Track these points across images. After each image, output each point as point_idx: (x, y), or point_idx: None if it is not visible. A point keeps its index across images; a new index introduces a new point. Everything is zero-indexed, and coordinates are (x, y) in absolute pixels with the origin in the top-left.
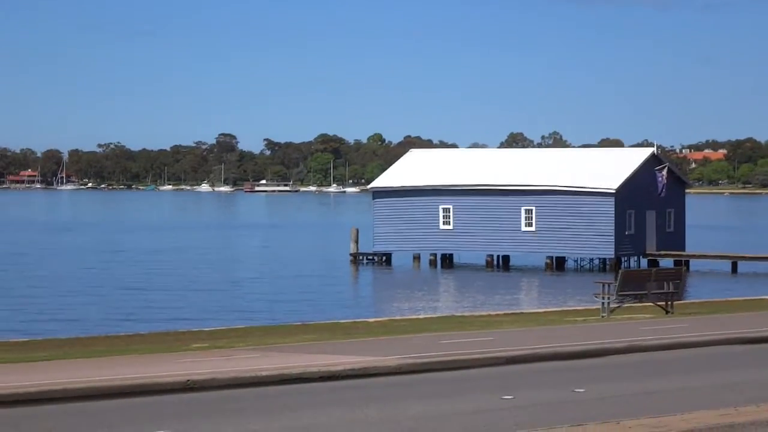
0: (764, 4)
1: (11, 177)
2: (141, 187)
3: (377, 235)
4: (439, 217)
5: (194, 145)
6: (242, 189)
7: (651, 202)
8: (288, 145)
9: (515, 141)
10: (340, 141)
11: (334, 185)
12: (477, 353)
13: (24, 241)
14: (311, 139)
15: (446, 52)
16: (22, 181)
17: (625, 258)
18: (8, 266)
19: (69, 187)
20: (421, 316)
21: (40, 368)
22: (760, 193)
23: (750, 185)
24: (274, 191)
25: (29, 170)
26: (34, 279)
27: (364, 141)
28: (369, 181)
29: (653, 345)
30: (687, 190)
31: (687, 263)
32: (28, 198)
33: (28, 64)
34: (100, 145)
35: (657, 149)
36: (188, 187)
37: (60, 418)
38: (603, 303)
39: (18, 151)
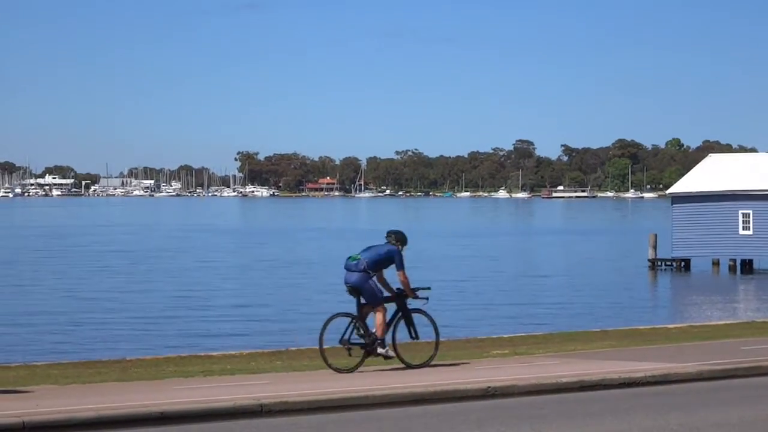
0: None
1: (310, 185)
2: (438, 194)
3: (676, 240)
4: (738, 222)
5: (491, 151)
6: (539, 195)
7: None
8: (585, 150)
9: None
10: (638, 146)
11: (632, 191)
12: None
13: (322, 248)
14: (609, 144)
15: (744, 54)
16: (321, 189)
17: None
18: (302, 271)
19: (367, 194)
20: (721, 322)
21: (340, 376)
22: None
23: None
24: (571, 197)
25: (328, 178)
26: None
27: (662, 146)
28: (667, 187)
29: None
30: None
31: None
32: (329, 206)
33: (323, 74)
34: (397, 152)
35: None
36: (485, 194)
37: (358, 425)
38: None
39: (317, 159)
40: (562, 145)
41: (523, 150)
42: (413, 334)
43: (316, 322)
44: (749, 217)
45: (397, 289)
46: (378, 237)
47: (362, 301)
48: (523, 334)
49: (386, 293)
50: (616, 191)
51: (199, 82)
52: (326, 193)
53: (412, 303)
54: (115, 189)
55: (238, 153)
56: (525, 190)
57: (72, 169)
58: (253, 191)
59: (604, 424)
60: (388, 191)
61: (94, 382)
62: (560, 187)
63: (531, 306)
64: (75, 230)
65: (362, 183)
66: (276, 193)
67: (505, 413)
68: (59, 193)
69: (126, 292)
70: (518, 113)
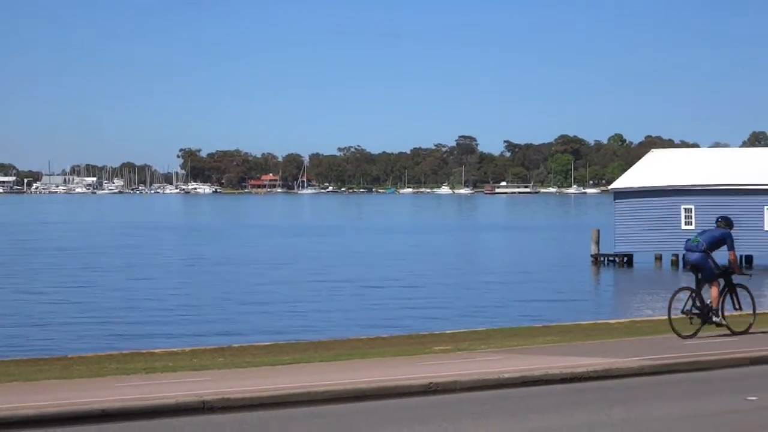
0: None
1: (253, 181)
2: (381, 190)
3: (619, 235)
4: (681, 217)
5: (434, 147)
6: (482, 191)
7: None
8: (528, 146)
9: (758, 140)
10: (580, 142)
11: (575, 186)
12: (720, 354)
13: (269, 246)
14: (551, 140)
15: (687, 50)
16: (264, 186)
17: None
18: (251, 270)
19: (309, 191)
20: (662, 317)
21: (283, 372)
22: None
23: None
24: (514, 193)
25: (270, 174)
26: (274, 283)
27: (605, 141)
28: (609, 182)
29: None
30: None
31: None
32: (271, 202)
33: (266, 71)
34: (340, 149)
35: None
36: (428, 190)
37: (301, 421)
38: None
39: (259, 155)
40: (504, 141)
41: (466, 146)
42: (737, 306)
43: (261, 318)
44: (691, 212)
45: (723, 266)
46: (322, 233)
47: (699, 276)
48: (465, 330)
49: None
50: (559, 187)
51: (142, 80)
52: (269, 189)
53: (736, 279)
54: (58, 186)
55: (181, 150)
56: (468, 186)
57: (14, 167)
58: (195, 188)
59: (547, 420)
60: (330, 188)
61: (36, 380)
62: (503, 183)
63: (473, 301)
64: (17, 228)
65: (305, 179)
66: (218, 190)
67: (447, 409)
68: (1, 190)
69: (68, 289)
70: (460, 109)
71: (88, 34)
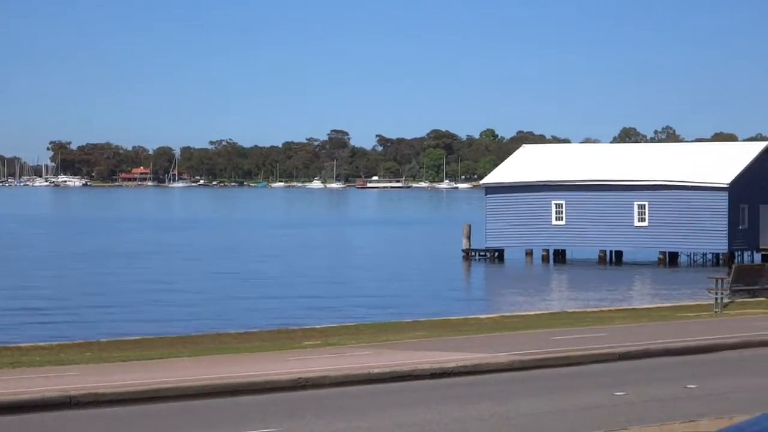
0: None
1: (123, 175)
2: (252, 184)
3: (489, 231)
4: (551, 212)
5: (306, 141)
6: (354, 185)
7: (765, 196)
8: (400, 141)
9: (628, 136)
10: (453, 137)
11: (446, 181)
12: (589, 349)
13: (138, 239)
14: (423, 134)
15: (557, 47)
16: (134, 179)
17: (739, 253)
18: (121, 263)
19: (180, 184)
20: (532, 313)
21: (152, 367)
22: None
23: None
24: (386, 187)
25: (141, 168)
26: (145, 277)
27: (477, 137)
28: (481, 177)
29: (767, 341)
30: None
31: None
32: (141, 195)
33: (137, 63)
34: (211, 142)
35: None
36: (300, 184)
37: (171, 416)
38: (716, 298)
39: (130, 148)
40: (376, 135)
41: (338, 140)
42: None
43: (129, 312)
44: (562, 208)
45: None
46: (192, 226)
47: None
48: (335, 325)
49: None
50: (431, 181)
51: (10, 70)
52: (139, 183)
53: None
54: None
55: (51, 142)
56: (339, 180)
57: None
58: (65, 181)
59: (416, 415)
60: (201, 181)
61: None
62: (375, 177)
63: (343, 296)
64: None
65: (176, 173)
66: (88, 183)
67: (316, 404)
68: None
69: None
70: (332, 103)
71: None
